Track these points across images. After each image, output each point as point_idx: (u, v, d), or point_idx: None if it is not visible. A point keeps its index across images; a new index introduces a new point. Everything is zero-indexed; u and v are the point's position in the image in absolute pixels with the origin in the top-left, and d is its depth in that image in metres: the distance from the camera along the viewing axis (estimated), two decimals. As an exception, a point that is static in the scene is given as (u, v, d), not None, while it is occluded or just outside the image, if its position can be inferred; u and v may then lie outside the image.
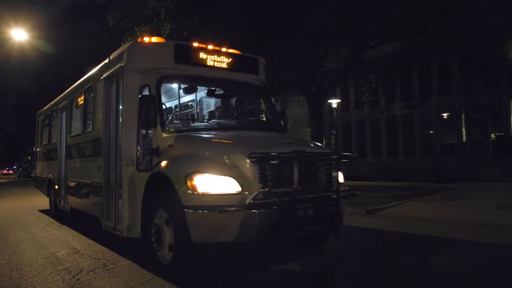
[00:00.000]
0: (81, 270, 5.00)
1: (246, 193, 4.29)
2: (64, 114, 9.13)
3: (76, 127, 8.35)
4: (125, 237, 5.61)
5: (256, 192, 4.25)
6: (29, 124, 43.05)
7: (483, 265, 5.12)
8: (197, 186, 4.33)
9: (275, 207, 4.25)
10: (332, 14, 13.51)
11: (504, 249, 5.92)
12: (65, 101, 8.98)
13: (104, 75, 6.51)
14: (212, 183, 4.33)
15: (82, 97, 7.80)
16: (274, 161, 4.41)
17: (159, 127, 5.18)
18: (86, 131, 7.47)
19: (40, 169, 11.49)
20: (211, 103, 7.19)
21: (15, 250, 6.45)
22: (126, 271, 4.92)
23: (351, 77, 19.95)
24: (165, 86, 5.93)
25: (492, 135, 23.96)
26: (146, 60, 5.72)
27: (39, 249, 6.43)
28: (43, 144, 11.24)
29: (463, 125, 25.26)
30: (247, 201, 4.19)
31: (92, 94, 7.19)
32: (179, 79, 5.85)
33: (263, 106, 7.14)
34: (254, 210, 4.19)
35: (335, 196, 4.84)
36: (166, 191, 4.68)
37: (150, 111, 4.94)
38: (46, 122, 11.09)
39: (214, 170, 4.39)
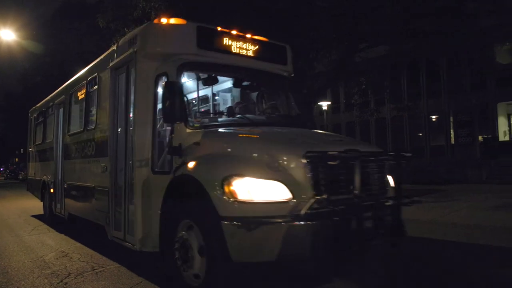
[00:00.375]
0: (69, 274, 4.72)
1: (297, 200, 3.33)
2: (61, 110, 8.00)
3: (76, 124, 7.24)
4: (138, 250, 4.58)
5: (312, 200, 3.29)
6: (18, 125, 41.22)
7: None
8: (237, 192, 3.35)
9: (336, 218, 3.31)
10: (330, 14, 12.86)
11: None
12: (63, 96, 7.84)
13: (111, 64, 5.47)
14: (256, 189, 3.35)
15: (84, 91, 6.71)
16: (334, 161, 3.46)
17: (181, 122, 4.18)
18: (88, 128, 6.38)
19: (33, 170, 10.25)
20: (228, 98, 6.19)
21: (1, 253, 5.97)
22: (115, 275, 4.67)
23: (342, 79, 19.37)
24: (184, 76, 4.91)
25: (480, 138, 23.57)
26: (164, 45, 4.71)
27: (26, 252, 5.98)
28: (36, 143, 10.02)
29: (451, 128, 24.85)
30: (303, 211, 3.23)
31: (96, 86, 6.11)
32: (202, 67, 4.85)
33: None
34: (310, 222, 3.23)
35: (393, 203, 3.91)
36: (195, 198, 3.68)
37: (176, 101, 3.93)
38: (40, 120, 9.88)
39: (257, 173, 3.41)
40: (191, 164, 3.84)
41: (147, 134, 4.66)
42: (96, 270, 4.87)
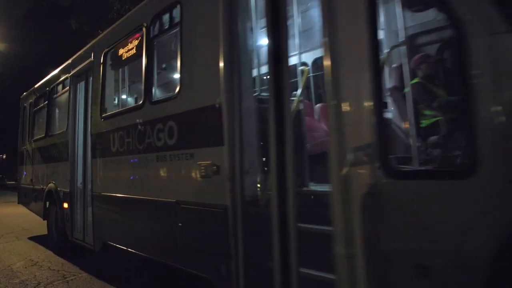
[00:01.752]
0: (39, 283, 4.28)
1: None
2: (83, 84, 5.02)
3: (118, 99, 4.32)
4: None
5: None
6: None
7: None
8: None
9: None
10: None
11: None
12: (88, 61, 4.82)
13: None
14: None
15: (136, 42, 3.79)
16: None
17: None
18: (155, 100, 3.51)
19: (30, 176, 7.00)
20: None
21: (-34, 264, 5.27)
22: (87, 283, 4.26)
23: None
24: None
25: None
26: None
27: (-7, 262, 5.40)
28: (35, 138, 6.82)
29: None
30: None
31: (175, 22, 3.25)
32: None
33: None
34: None
35: None
36: None
37: None
38: (40, 105, 6.69)
39: None
40: None
41: (365, 95, 1.94)
42: (67, 279, 4.44)
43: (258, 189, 2.68)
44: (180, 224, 3.04)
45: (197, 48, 3.00)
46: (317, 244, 2.35)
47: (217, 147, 2.69)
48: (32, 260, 5.36)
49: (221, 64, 2.68)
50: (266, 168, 2.72)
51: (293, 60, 3.82)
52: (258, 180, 2.69)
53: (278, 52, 2.42)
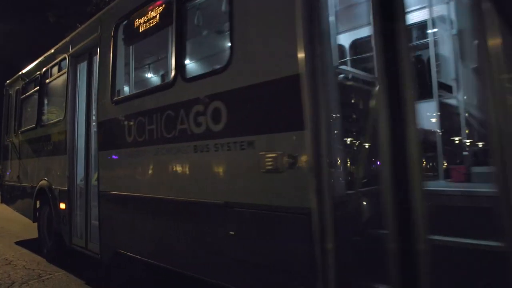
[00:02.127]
0: (13, 283, 4.08)
1: None
2: (85, 64, 4.23)
3: (131, 80, 3.58)
4: None
5: None
6: None
7: None
8: None
9: None
10: None
11: None
12: (93, 37, 4.01)
13: None
14: None
15: (160, 9, 3.06)
16: None
17: None
18: (191, 75, 2.80)
19: (17, 172, 6.05)
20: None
21: None
22: (63, 282, 4.08)
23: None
24: None
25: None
26: None
27: (-35, 262, 5.08)
28: (23, 129, 5.90)
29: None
30: None
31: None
32: None
33: None
34: None
35: None
36: None
37: None
38: (30, 92, 5.78)
39: None
40: None
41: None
42: (43, 278, 4.25)
43: (350, 186, 2.04)
44: (231, 233, 2.35)
45: (258, 7, 2.31)
46: (447, 262, 1.74)
47: (293, 132, 2.02)
48: (7, 259, 5.15)
49: (299, 25, 2.01)
50: (354, 159, 2.10)
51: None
52: (347, 174, 2.06)
53: (390, 6, 1.78)
